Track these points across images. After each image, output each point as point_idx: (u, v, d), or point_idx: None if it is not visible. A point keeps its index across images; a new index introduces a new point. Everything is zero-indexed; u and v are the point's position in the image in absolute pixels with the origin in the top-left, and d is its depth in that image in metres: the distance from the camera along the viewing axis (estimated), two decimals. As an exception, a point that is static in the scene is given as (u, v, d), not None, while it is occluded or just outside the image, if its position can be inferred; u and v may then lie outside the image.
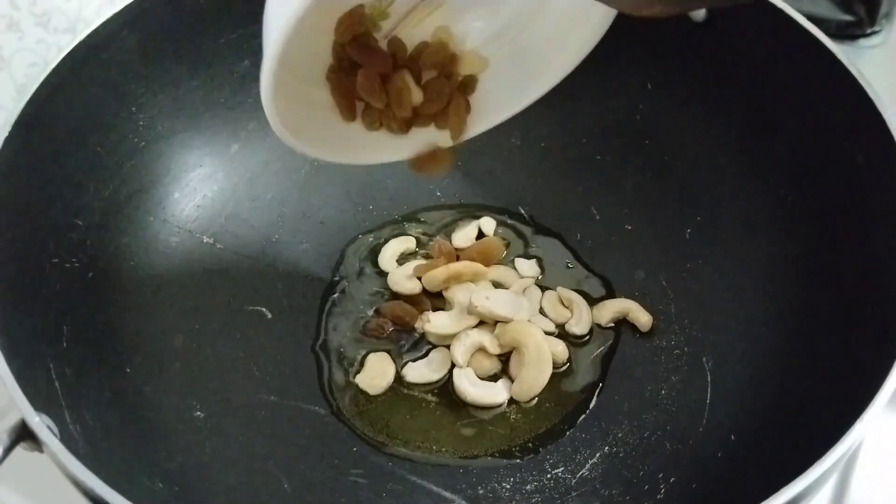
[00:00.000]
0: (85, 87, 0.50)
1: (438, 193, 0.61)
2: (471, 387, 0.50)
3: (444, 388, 0.51)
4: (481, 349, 0.51)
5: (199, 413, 0.49)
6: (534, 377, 0.50)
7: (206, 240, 0.56)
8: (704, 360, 0.50)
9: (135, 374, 0.49)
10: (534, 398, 0.50)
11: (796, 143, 0.51)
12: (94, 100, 0.51)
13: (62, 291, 0.48)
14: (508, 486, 0.47)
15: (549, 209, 0.59)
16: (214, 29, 0.56)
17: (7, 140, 0.44)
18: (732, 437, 0.46)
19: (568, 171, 0.60)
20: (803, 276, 0.50)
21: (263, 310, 0.54)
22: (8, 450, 0.35)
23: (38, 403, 0.38)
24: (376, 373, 0.51)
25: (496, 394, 0.50)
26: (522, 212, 0.59)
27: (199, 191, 0.57)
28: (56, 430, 0.37)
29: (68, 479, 0.36)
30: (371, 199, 0.60)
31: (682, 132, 0.58)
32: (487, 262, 0.55)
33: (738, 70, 0.54)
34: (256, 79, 0.58)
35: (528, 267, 0.56)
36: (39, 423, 0.36)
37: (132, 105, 0.54)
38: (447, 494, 0.47)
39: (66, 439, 0.39)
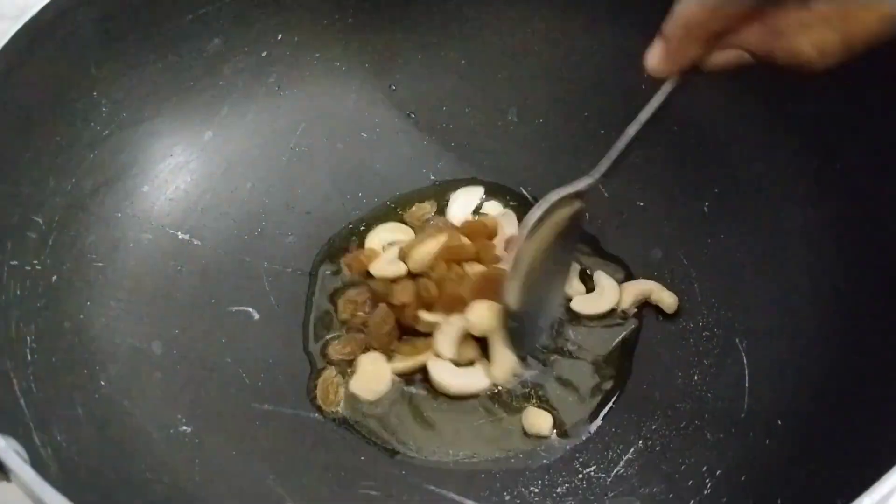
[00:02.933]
0: (41, 69, 0.45)
1: (433, 177, 0.56)
2: (449, 376, 0.46)
3: (456, 387, 0.46)
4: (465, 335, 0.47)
5: (185, 427, 0.43)
6: (504, 358, 0.46)
7: (181, 236, 0.51)
8: (737, 340, 0.47)
9: (111, 386, 0.43)
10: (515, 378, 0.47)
11: (824, 98, 0.47)
12: (51, 84, 0.46)
13: (23, 297, 0.42)
14: (537, 490, 0.42)
15: (554, 187, 0.55)
16: (181, 4, 0.51)
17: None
18: (779, 423, 0.42)
19: (571, 148, 0.56)
20: (840, 244, 0.46)
21: (249, 310, 0.49)
22: (-32, 482, 0.30)
23: (3, 425, 0.32)
24: (370, 376, 0.47)
25: (476, 381, 0.46)
26: (525, 193, 0.55)
27: (171, 182, 0.52)
28: (25, 454, 0.32)
29: (43, 511, 0.31)
30: (359, 186, 0.55)
31: (692, 99, 0.53)
32: (485, 239, 0.51)
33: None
34: (228, 59, 0.54)
35: None
36: (6, 449, 0.30)
37: (93, 89, 0.48)
38: (471, 503, 0.42)
39: (38, 465, 0.33)
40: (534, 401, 0.46)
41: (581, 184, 0.43)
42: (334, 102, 0.57)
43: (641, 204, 0.53)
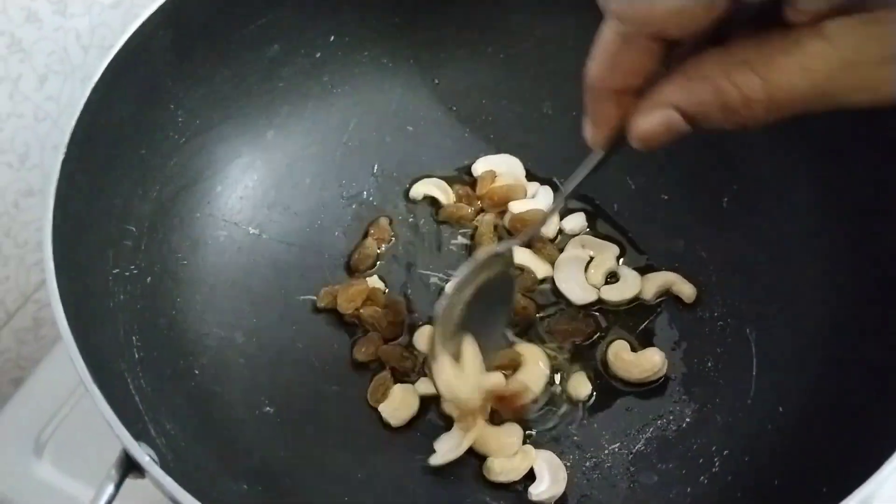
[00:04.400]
0: (126, 93, 0.50)
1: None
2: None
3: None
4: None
5: (268, 408, 0.51)
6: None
7: (251, 231, 0.57)
8: (748, 331, 0.52)
9: (203, 375, 0.50)
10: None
11: (838, 115, 0.52)
12: (135, 104, 0.51)
13: (126, 302, 0.49)
14: (569, 464, 0.49)
15: (585, 179, 0.60)
16: (243, 17, 0.56)
17: (64, 164, 0.45)
18: (780, 409, 0.48)
19: (601, 140, 0.60)
20: (846, 245, 0.50)
21: (315, 298, 0.56)
22: (118, 485, 0.37)
23: (134, 429, 0.39)
24: (398, 403, 0.51)
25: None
26: (559, 183, 0.60)
27: (241, 181, 0.58)
28: (155, 456, 0.39)
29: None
30: (407, 176, 0.61)
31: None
32: (506, 202, 0.58)
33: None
34: (286, 63, 0.59)
35: (575, 221, 0.58)
36: (149, 462, 0.37)
37: (170, 103, 0.54)
38: (512, 474, 0.49)
39: (161, 459, 0.40)
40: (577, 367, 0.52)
41: (504, 245, 0.48)
42: (382, 98, 0.62)
43: (666, 197, 0.58)
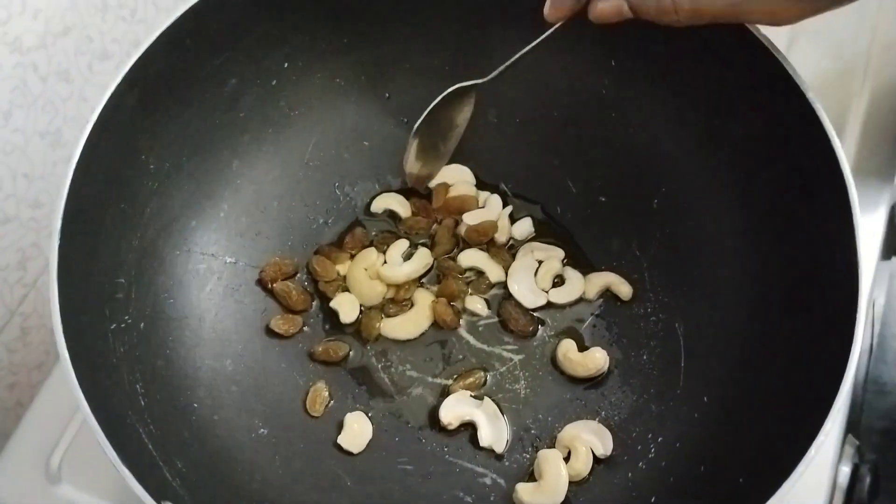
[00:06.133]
0: (104, 162, 0.53)
1: (427, 177, 0.66)
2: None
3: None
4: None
5: (263, 430, 0.57)
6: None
7: (228, 260, 0.62)
8: (676, 325, 0.60)
9: (202, 406, 0.56)
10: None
11: (748, 130, 0.57)
12: (112, 168, 0.54)
13: (126, 353, 0.53)
14: (528, 456, 0.57)
15: (530, 184, 0.66)
16: (201, 60, 0.58)
17: (60, 249, 0.48)
18: (705, 399, 0.56)
19: (544, 146, 0.66)
20: (764, 245, 0.56)
21: (298, 318, 0.61)
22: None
23: (155, 490, 0.45)
24: (355, 432, 0.57)
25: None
26: (506, 188, 0.66)
27: (213, 214, 0.62)
28: (180, 511, 0.46)
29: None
30: (367, 191, 0.66)
31: (643, 105, 0.63)
32: (461, 213, 0.64)
33: (694, 58, 0.58)
34: (244, 93, 0.62)
35: (523, 227, 0.64)
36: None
37: (142, 154, 0.57)
38: (480, 469, 0.57)
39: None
40: (522, 384, 0.60)
41: (471, 82, 0.58)
42: (338, 116, 0.65)
43: (603, 199, 0.64)
